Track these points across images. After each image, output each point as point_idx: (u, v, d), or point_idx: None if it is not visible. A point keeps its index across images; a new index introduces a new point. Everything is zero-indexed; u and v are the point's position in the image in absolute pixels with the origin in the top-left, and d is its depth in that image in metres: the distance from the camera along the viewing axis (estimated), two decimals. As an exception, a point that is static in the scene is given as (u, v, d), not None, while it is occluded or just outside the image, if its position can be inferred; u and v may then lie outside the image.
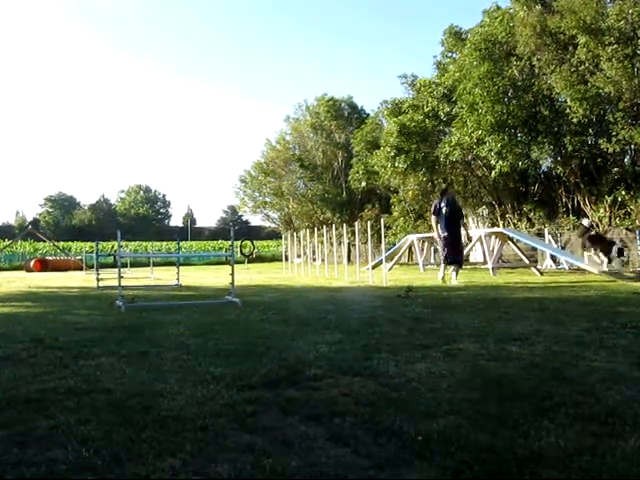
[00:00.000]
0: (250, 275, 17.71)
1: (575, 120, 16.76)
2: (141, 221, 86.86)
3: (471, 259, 21.11)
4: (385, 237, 17.69)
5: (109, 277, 13.01)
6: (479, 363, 3.58)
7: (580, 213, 18.82)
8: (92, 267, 18.09)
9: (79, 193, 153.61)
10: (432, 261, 21.34)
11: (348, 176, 31.88)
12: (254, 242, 30.83)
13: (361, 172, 29.39)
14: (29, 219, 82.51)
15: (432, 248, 21.71)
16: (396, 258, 19.91)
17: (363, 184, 29.65)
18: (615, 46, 15.43)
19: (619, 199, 17.02)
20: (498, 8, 20.86)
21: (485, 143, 18.79)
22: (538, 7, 17.84)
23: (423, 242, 20.04)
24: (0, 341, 4.82)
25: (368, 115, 35.57)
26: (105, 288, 11.43)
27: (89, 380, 3.35)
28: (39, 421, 2.57)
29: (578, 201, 19.01)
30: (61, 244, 44.12)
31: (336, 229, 23.05)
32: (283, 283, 13.47)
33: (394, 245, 22.42)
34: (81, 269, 23.56)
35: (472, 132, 19.00)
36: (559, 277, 13.24)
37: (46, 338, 4.91)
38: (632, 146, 16.80)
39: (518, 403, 2.67)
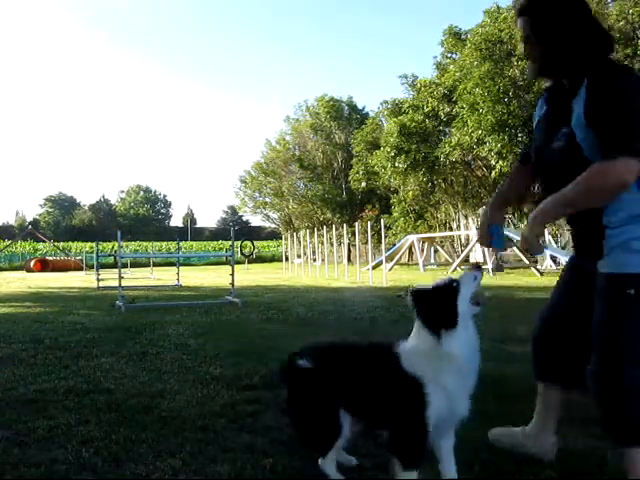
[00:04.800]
0: (250, 275, 17.70)
1: (575, 120, 16.76)
2: (141, 221, 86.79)
3: (471, 259, 21.12)
4: (385, 237, 17.69)
5: (109, 277, 13.01)
6: (479, 363, 3.57)
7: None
8: (92, 267, 18.08)
9: (79, 193, 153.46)
10: (432, 261, 21.35)
11: (348, 176, 31.88)
12: (254, 242, 30.82)
13: (361, 172, 29.40)
14: (29, 219, 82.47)
15: (432, 248, 21.73)
16: (396, 258, 19.92)
17: (363, 184, 29.65)
18: (615, 46, 15.46)
19: (619, 199, 17.01)
20: (498, 8, 20.87)
21: (485, 143, 18.80)
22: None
23: (423, 242, 20.06)
24: (0, 341, 4.82)
25: (367, 114, 35.62)
26: (105, 288, 11.43)
27: (89, 380, 3.35)
28: (39, 421, 2.57)
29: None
30: (61, 244, 44.11)
31: (336, 229, 23.06)
32: (283, 283, 13.47)
33: (394, 245, 22.42)
34: (81, 269, 23.54)
35: (472, 132, 19.01)
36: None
37: (46, 338, 4.92)
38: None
39: (518, 403, 2.67)
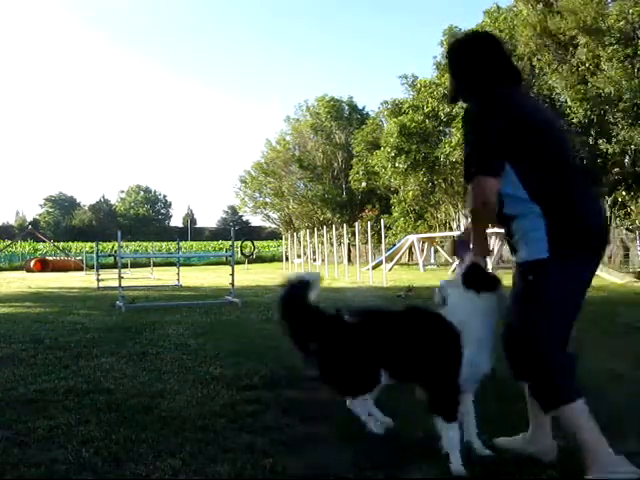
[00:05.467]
0: (250, 275, 17.70)
1: (575, 120, 16.77)
2: (141, 221, 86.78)
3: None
4: (385, 237, 17.68)
5: (109, 277, 13.01)
6: (479, 363, 3.57)
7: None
8: (92, 267, 18.08)
9: (79, 193, 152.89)
10: (432, 261, 21.34)
11: (348, 176, 31.90)
12: (254, 242, 30.81)
13: (361, 172, 29.40)
14: (29, 219, 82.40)
15: (432, 248, 21.72)
16: (396, 258, 19.91)
17: (363, 184, 29.66)
18: (615, 46, 15.43)
19: (619, 199, 17.03)
20: (498, 8, 20.88)
21: (485, 143, 18.78)
22: (540, 6, 17.85)
23: (423, 242, 20.04)
24: (0, 341, 4.82)
25: (368, 115, 35.61)
26: (105, 288, 11.43)
27: (89, 380, 3.36)
28: (39, 421, 2.57)
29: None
30: (61, 244, 44.09)
31: (336, 229, 23.05)
32: (283, 283, 13.45)
33: (394, 245, 22.42)
34: (81, 269, 23.52)
35: (472, 132, 19.00)
36: (559, 277, 13.23)
37: (46, 338, 4.91)
38: (632, 147, 16.80)
39: (518, 403, 2.67)
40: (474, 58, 2.15)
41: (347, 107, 37.37)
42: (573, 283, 2.01)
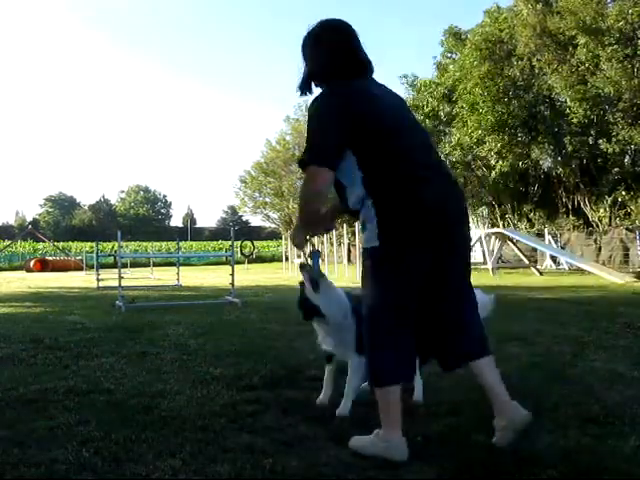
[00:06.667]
0: (250, 275, 17.70)
1: (575, 120, 16.78)
2: (141, 221, 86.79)
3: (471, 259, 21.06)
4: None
5: (109, 277, 13.00)
6: (479, 363, 3.57)
7: (580, 213, 18.84)
8: (92, 267, 18.07)
9: (79, 193, 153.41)
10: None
11: (348, 176, 31.85)
12: (254, 242, 30.78)
13: (361, 172, 29.41)
14: (29, 219, 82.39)
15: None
16: (396, 258, 19.89)
17: (363, 184, 29.67)
18: (615, 46, 15.45)
19: (619, 199, 17.04)
20: (498, 8, 20.89)
21: (485, 143, 18.80)
22: (540, 6, 17.86)
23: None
24: (0, 341, 4.82)
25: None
26: (105, 288, 11.43)
27: (89, 380, 3.35)
28: (39, 421, 2.56)
29: (578, 201, 19.03)
30: (61, 244, 44.05)
31: (336, 229, 23.03)
32: (283, 283, 13.46)
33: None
34: (81, 269, 23.50)
35: (472, 132, 19.01)
36: (559, 277, 13.24)
37: (46, 338, 4.91)
38: (632, 146, 16.81)
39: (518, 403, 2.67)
40: (320, 49, 2.23)
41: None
42: (402, 271, 2.07)
